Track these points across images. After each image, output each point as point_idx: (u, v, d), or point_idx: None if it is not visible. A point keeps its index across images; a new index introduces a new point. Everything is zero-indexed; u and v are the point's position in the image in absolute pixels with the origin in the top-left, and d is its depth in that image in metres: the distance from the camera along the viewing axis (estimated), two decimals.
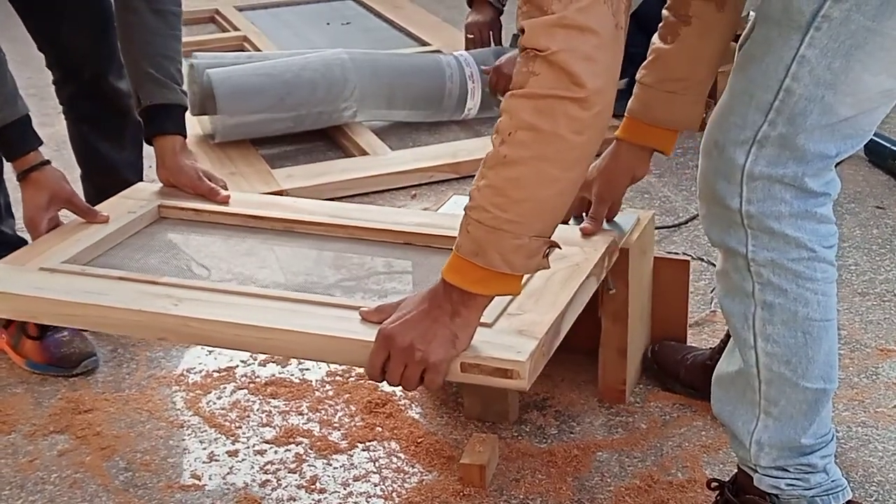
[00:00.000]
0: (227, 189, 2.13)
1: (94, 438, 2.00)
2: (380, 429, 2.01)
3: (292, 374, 2.18)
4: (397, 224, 1.98)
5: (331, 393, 2.12)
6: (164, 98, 2.07)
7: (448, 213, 2.08)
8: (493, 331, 1.58)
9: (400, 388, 1.52)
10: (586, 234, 1.87)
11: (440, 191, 2.99)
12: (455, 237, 1.48)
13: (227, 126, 3.19)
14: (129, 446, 1.98)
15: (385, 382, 1.53)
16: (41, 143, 2.01)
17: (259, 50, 4.03)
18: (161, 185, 2.15)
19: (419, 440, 1.97)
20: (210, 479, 1.90)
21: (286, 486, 1.87)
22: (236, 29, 4.39)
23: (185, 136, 2.12)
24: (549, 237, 1.47)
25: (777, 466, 1.59)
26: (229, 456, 1.95)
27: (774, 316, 1.51)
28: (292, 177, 3.00)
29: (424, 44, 4.11)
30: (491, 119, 3.45)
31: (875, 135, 3.16)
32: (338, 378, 2.16)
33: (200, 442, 1.99)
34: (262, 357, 2.24)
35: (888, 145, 3.09)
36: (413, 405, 2.08)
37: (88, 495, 1.86)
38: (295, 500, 1.84)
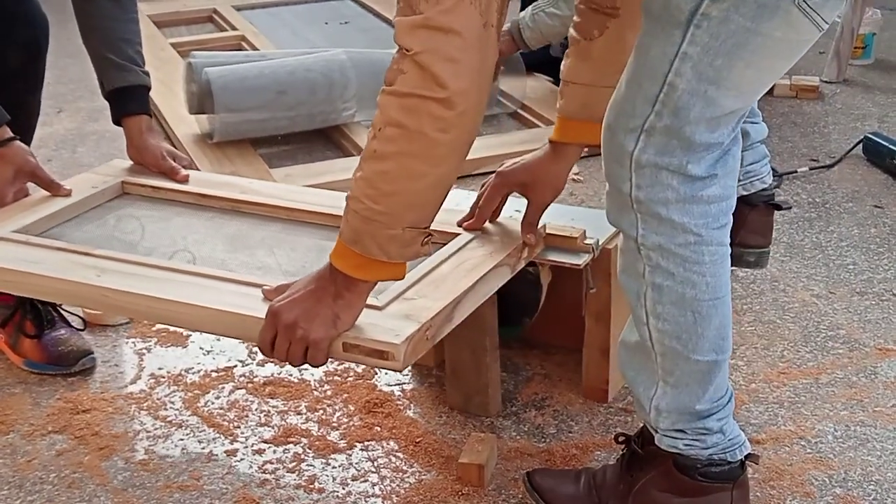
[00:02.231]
0: (192, 168, 2.23)
1: (92, 438, 2.00)
2: (378, 428, 2.01)
3: (291, 374, 2.18)
4: (340, 208, 2.01)
5: (329, 393, 2.12)
6: (125, 81, 2.14)
7: None
8: (383, 313, 1.63)
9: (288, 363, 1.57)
10: (529, 245, 1.87)
11: None
12: None
13: (225, 125, 3.18)
14: (127, 446, 1.98)
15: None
16: (8, 119, 2.04)
17: (257, 49, 4.02)
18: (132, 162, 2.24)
19: (417, 440, 1.97)
20: (208, 478, 1.90)
21: (285, 486, 1.87)
22: (234, 28, 4.39)
23: (150, 115, 2.19)
24: (426, 227, 1.51)
25: (675, 429, 1.65)
26: (228, 455, 1.95)
27: (663, 297, 1.56)
28: (290, 176, 3.00)
29: None
30: (490, 118, 3.46)
31: (873, 134, 3.18)
32: (336, 378, 2.16)
33: (199, 442, 1.99)
34: (260, 357, 2.24)
35: (887, 144, 3.09)
36: (411, 405, 2.08)
37: (87, 495, 1.86)
38: (293, 499, 1.84)
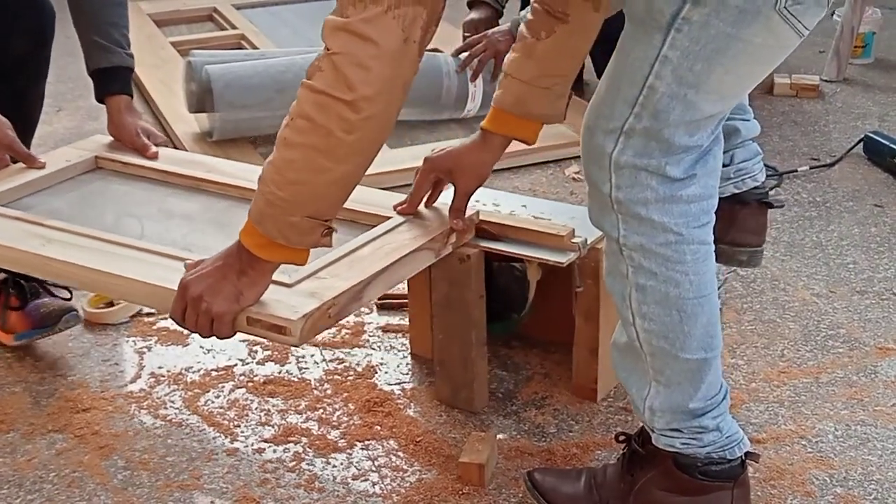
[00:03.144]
0: (166, 146, 2.32)
1: (92, 437, 2.00)
2: (378, 427, 2.01)
3: (291, 373, 2.18)
4: None
5: (329, 392, 2.12)
6: (109, 62, 2.22)
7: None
8: (291, 290, 1.68)
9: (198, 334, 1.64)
10: (457, 230, 1.90)
11: None
12: None
13: (225, 123, 3.18)
14: (127, 445, 1.98)
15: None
16: None
17: (257, 48, 4.02)
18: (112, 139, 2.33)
19: (418, 439, 1.97)
20: (208, 477, 1.89)
21: (285, 485, 1.87)
22: (234, 27, 4.38)
23: (130, 96, 2.27)
24: (326, 220, 1.56)
25: (671, 428, 1.65)
26: (228, 455, 1.95)
27: (647, 297, 1.57)
28: None
29: None
30: None
31: (874, 133, 3.18)
32: (336, 377, 2.16)
33: (199, 441, 1.99)
34: (260, 356, 2.24)
35: (887, 143, 3.09)
36: (412, 404, 2.08)
37: (87, 494, 1.86)
38: (294, 498, 1.84)
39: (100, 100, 2.26)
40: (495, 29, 3.24)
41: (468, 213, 1.93)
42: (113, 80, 2.24)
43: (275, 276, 1.64)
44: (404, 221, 1.92)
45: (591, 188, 1.58)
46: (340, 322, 2.34)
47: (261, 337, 1.66)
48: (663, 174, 1.51)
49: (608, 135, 1.52)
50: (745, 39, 1.44)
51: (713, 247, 1.58)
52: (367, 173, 3.32)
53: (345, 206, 1.64)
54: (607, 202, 1.55)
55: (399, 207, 1.94)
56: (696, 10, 1.43)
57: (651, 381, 1.64)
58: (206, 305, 1.59)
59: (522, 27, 1.77)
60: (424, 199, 1.95)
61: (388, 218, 1.93)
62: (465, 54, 3.31)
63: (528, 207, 2.11)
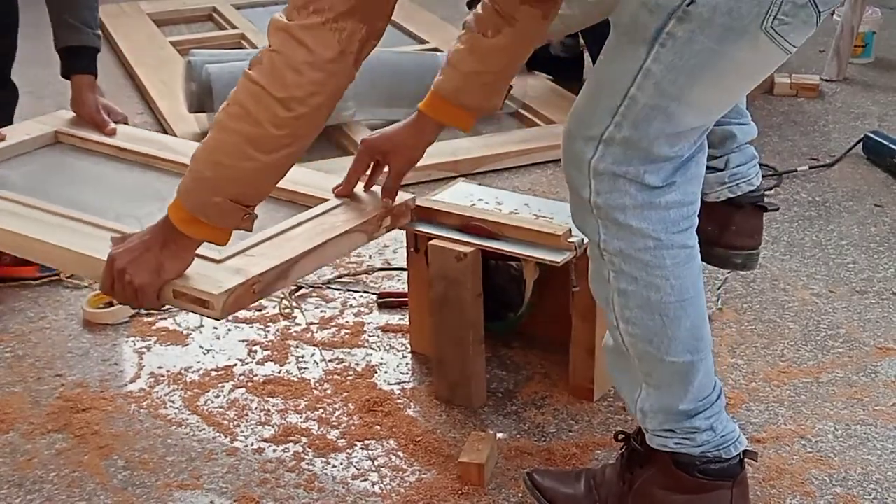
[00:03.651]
0: (127, 123, 2.40)
1: (92, 437, 2.00)
2: (378, 427, 2.01)
3: (290, 373, 2.18)
4: None
5: (329, 391, 2.12)
6: (76, 41, 2.32)
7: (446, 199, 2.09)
8: (219, 266, 1.74)
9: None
10: (387, 208, 1.94)
11: (437, 189, 2.98)
12: None
13: None
14: (127, 445, 1.98)
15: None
16: None
17: (257, 48, 4.02)
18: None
19: (417, 439, 1.97)
20: (208, 477, 1.89)
21: (285, 485, 1.87)
22: (234, 27, 4.38)
23: (95, 75, 2.37)
24: (248, 206, 1.63)
25: (664, 429, 1.65)
26: (228, 455, 1.95)
27: (630, 301, 1.58)
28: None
29: (423, 42, 4.11)
30: (490, 117, 3.45)
31: (873, 132, 3.18)
32: (336, 377, 2.16)
33: (199, 441, 1.99)
34: (260, 356, 2.24)
35: (887, 143, 3.09)
36: (411, 404, 2.08)
37: (87, 494, 1.86)
38: (293, 498, 1.84)
39: (65, 76, 2.36)
40: None
41: (405, 198, 1.99)
42: (79, 58, 2.33)
43: (205, 253, 1.70)
44: (340, 204, 1.96)
45: (572, 192, 1.59)
46: (340, 322, 2.35)
47: (184, 309, 1.72)
48: (641, 181, 1.51)
49: (588, 141, 1.53)
50: (730, 56, 1.44)
51: (696, 249, 1.58)
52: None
53: (284, 186, 1.74)
54: (587, 207, 1.56)
55: (336, 189, 1.98)
56: (681, 26, 1.43)
57: (641, 382, 1.64)
58: (129, 277, 1.65)
59: (471, 18, 1.80)
60: (362, 182, 1.99)
61: (324, 199, 1.97)
62: None
63: (529, 206, 2.11)
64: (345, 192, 1.97)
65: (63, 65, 2.36)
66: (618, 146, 1.50)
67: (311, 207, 1.95)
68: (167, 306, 1.76)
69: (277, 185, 1.68)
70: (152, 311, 2.38)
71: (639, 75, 1.47)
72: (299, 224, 1.88)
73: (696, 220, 1.58)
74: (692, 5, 1.41)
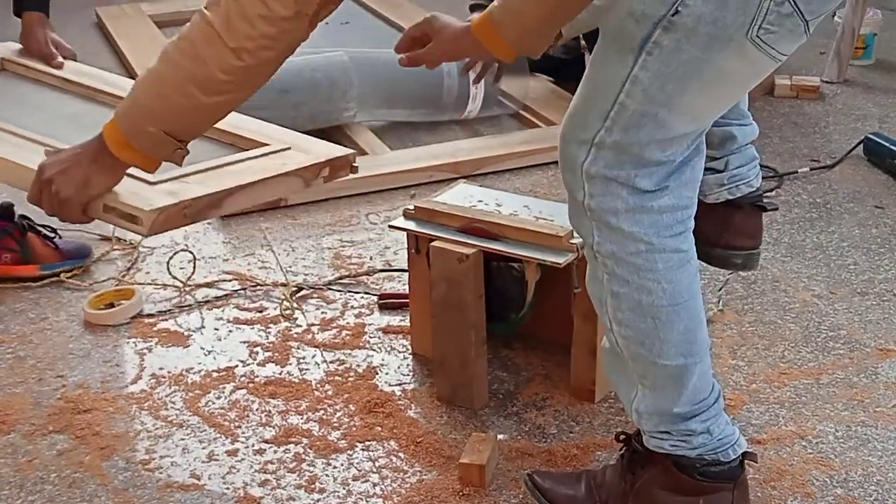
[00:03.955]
0: (75, 59, 2.45)
1: (93, 438, 2.00)
2: (379, 428, 2.01)
3: (292, 374, 2.18)
4: None
5: (330, 392, 2.12)
6: None
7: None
8: (152, 188, 1.80)
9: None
10: (404, 64, 1.82)
11: (438, 190, 2.98)
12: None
13: None
14: (128, 446, 1.98)
15: None
16: None
17: None
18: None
19: (418, 440, 1.97)
20: (209, 478, 1.90)
21: (285, 486, 1.87)
22: None
23: (46, 13, 2.45)
24: (181, 141, 1.66)
25: (660, 431, 1.66)
26: (228, 455, 1.95)
27: (622, 303, 1.58)
28: None
29: None
30: (491, 118, 3.46)
31: (874, 134, 3.18)
32: (337, 378, 2.16)
33: (200, 441, 1.99)
34: (261, 357, 2.24)
35: (887, 145, 3.09)
36: (412, 405, 2.08)
37: (87, 495, 1.86)
38: (294, 499, 1.84)
39: (17, 14, 2.43)
40: None
41: (347, 152, 2.03)
42: None
43: (139, 174, 1.74)
44: (286, 148, 2.02)
45: (568, 194, 1.60)
46: (341, 323, 2.35)
47: (114, 224, 1.77)
48: (633, 185, 1.52)
49: (580, 145, 1.54)
50: (716, 64, 1.45)
51: (692, 253, 1.58)
52: (369, 174, 3.36)
53: (227, 129, 1.82)
54: (582, 209, 1.56)
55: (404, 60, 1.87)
56: (667, 35, 1.44)
57: (637, 384, 1.64)
58: (55, 188, 1.69)
59: None
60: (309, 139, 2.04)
61: (268, 145, 2.04)
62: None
63: (530, 208, 2.11)
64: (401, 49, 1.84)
65: (14, 3, 2.42)
66: (609, 150, 1.51)
67: (261, 145, 2.02)
68: (95, 220, 1.79)
69: (222, 129, 1.74)
70: (151, 314, 2.38)
71: (627, 82, 1.48)
72: (239, 161, 1.95)
73: (692, 223, 1.58)
74: (676, 16, 1.42)
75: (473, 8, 3.46)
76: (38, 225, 2.54)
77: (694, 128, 1.53)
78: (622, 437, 1.75)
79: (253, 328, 2.35)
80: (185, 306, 2.44)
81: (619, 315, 1.59)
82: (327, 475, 1.89)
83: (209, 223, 2.83)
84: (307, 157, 2.00)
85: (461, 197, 2.17)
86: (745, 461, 1.69)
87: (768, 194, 2.72)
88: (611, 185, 1.52)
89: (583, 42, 3.60)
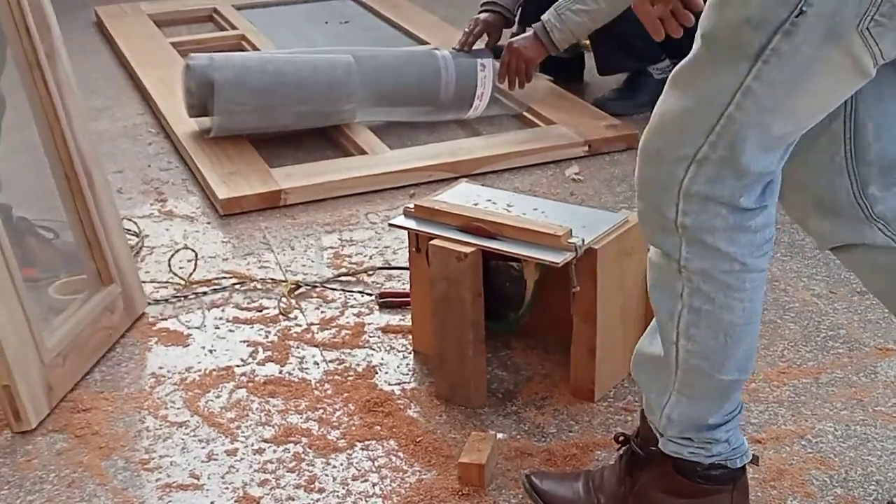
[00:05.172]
0: None
1: (92, 437, 2.00)
2: (378, 428, 2.01)
3: (291, 374, 2.18)
4: None
5: (329, 392, 2.12)
6: None
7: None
8: None
9: None
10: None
11: (438, 190, 2.98)
12: None
13: (222, 121, 3.16)
14: (127, 445, 1.98)
15: None
16: None
17: (257, 49, 4.02)
18: None
19: (418, 439, 1.97)
20: (209, 478, 1.90)
21: (285, 486, 1.87)
22: (234, 28, 4.38)
23: None
24: None
25: (682, 437, 1.64)
26: (228, 455, 1.95)
27: (700, 321, 1.54)
28: (291, 176, 3.00)
29: (423, 43, 4.11)
30: (491, 118, 3.45)
31: None
32: (337, 377, 2.16)
33: (199, 441, 1.99)
34: (261, 357, 2.24)
35: None
36: (412, 404, 2.08)
37: (87, 494, 1.86)
38: (294, 499, 1.84)
39: None
40: (519, 37, 3.23)
41: None
42: None
43: None
44: None
45: (650, 210, 1.53)
46: (341, 322, 2.36)
47: None
48: (735, 204, 1.46)
49: (678, 162, 1.46)
50: (826, 59, 1.38)
51: (766, 273, 1.55)
52: (369, 174, 3.35)
53: None
54: (670, 226, 1.50)
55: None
56: (787, 40, 1.37)
57: (673, 391, 1.60)
58: None
59: None
60: None
61: None
62: (478, 60, 3.33)
63: (530, 207, 2.11)
64: None
65: None
66: (712, 166, 1.45)
67: None
68: None
69: None
70: (151, 314, 2.38)
71: (738, 93, 1.41)
72: None
73: (772, 245, 1.54)
74: (801, 16, 1.35)
75: (485, 6, 3.47)
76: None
77: (791, 129, 1.46)
78: (621, 437, 1.75)
79: (252, 327, 2.35)
80: (185, 305, 2.44)
81: (691, 331, 1.54)
82: (327, 475, 1.89)
83: (209, 222, 2.84)
84: None
85: (463, 196, 2.17)
86: (747, 464, 1.68)
87: None
88: (709, 204, 1.46)
89: (583, 42, 3.60)
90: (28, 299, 2.06)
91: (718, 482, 1.66)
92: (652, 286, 1.60)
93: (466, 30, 3.44)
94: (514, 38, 3.25)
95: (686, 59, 1.47)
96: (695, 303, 1.53)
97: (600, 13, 3.09)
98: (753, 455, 1.69)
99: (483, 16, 3.44)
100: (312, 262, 2.63)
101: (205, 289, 2.50)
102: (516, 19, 3.48)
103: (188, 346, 2.29)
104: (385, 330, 2.33)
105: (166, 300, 2.46)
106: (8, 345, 1.98)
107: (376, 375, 2.16)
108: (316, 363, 2.21)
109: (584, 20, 3.12)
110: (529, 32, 3.21)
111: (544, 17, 3.15)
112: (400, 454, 1.94)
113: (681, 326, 1.55)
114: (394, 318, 2.37)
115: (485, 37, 3.42)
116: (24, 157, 2.59)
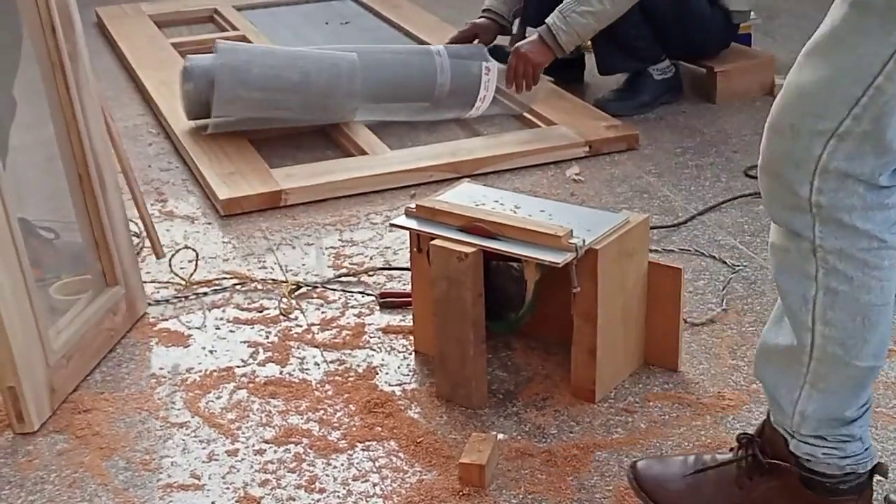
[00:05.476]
0: None
1: (93, 438, 2.00)
2: (379, 428, 2.01)
3: (292, 374, 2.18)
4: None
5: (330, 393, 2.12)
6: None
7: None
8: None
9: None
10: None
11: (439, 190, 2.98)
12: None
13: (227, 105, 3.15)
14: (128, 446, 1.98)
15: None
16: None
17: None
18: None
19: (418, 440, 1.97)
20: (209, 478, 1.90)
21: (285, 486, 1.87)
22: (235, 28, 4.39)
23: None
24: None
25: (817, 435, 1.58)
26: (228, 455, 1.95)
27: (837, 302, 1.48)
28: (291, 176, 3.00)
29: (423, 43, 4.11)
30: (491, 118, 3.46)
31: None
32: (337, 378, 2.16)
33: (200, 441, 1.99)
34: (261, 357, 2.24)
35: None
36: (412, 405, 2.08)
37: (88, 495, 1.86)
38: (294, 499, 1.84)
39: None
40: (525, 41, 3.23)
41: None
42: None
43: None
44: None
45: (779, 186, 1.46)
46: (341, 323, 2.36)
47: None
48: (873, 182, 1.40)
49: (817, 136, 1.39)
50: None
51: None
52: (369, 174, 3.35)
53: None
54: (804, 204, 1.44)
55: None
56: None
57: (806, 384, 1.55)
58: None
59: None
60: None
61: None
62: (484, 64, 3.36)
63: (531, 207, 2.11)
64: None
65: None
66: (853, 141, 1.38)
67: None
68: None
69: None
70: (152, 314, 2.39)
71: (890, 62, 1.33)
72: None
73: None
74: None
75: (486, 12, 3.50)
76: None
77: None
78: (744, 438, 1.67)
79: (253, 328, 2.35)
80: (186, 306, 2.44)
81: (828, 314, 1.48)
82: (327, 475, 1.90)
83: (209, 222, 2.84)
84: None
85: (464, 196, 2.17)
86: (874, 473, 1.63)
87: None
88: (847, 182, 1.40)
89: (585, 43, 3.60)
90: (38, 301, 2.06)
91: (846, 494, 1.60)
92: (778, 272, 1.53)
93: (459, 31, 3.52)
94: (520, 43, 3.25)
95: (824, 28, 1.40)
96: (831, 284, 1.47)
97: (605, 14, 3.10)
98: (882, 464, 1.63)
99: (478, 20, 3.50)
100: (313, 262, 2.63)
101: (205, 289, 2.50)
102: (513, 27, 3.51)
103: (189, 346, 2.29)
104: (386, 330, 2.33)
105: (167, 301, 2.46)
106: (16, 346, 1.97)
107: (377, 376, 2.16)
108: (316, 364, 2.21)
109: (590, 21, 3.12)
110: (534, 36, 3.21)
111: (549, 20, 3.15)
112: (400, 455, 1.94)
113: (817, 311, 1.49)
114: (394, 319, 2.37)
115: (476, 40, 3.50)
116: (34, 157, 2.59)
